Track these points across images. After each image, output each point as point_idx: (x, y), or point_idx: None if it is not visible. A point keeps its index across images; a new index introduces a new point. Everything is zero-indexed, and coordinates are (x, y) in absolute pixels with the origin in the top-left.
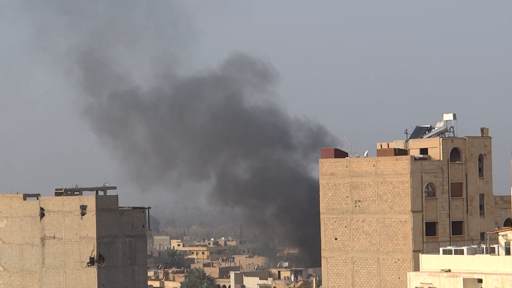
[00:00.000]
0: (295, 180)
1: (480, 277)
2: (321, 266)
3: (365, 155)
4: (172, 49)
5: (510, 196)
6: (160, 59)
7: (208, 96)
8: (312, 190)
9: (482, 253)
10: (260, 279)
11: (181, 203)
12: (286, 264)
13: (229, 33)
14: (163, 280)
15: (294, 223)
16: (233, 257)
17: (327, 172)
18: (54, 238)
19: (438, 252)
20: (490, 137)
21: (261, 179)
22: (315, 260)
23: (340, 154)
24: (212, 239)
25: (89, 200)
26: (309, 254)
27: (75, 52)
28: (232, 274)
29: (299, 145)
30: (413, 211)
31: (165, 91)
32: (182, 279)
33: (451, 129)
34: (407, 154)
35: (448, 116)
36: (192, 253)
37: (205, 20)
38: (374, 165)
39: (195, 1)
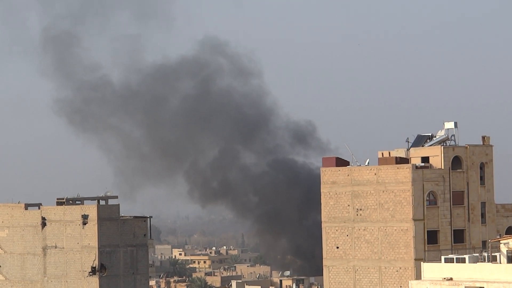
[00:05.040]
0: (283, 177)
1: (482, 285)
2: (322, 275)
3: (366, 163)
4: (149, 35)
5: None
6: (134, 45)
7: (187, 85)
8: (302, 188)
9: (484, 261)
10: None
11: (163, 202)
12: (288, 273)
13: (221, 24)
14: None
15: (283, 224)
16: (235, 266)
17: (329, 181)
18: (55, 247)
19: (439, 261)
20: (491, 146)
21: (248, 176)
22: (312, 265)
23: (341, 162)
24: (214, 248)
25: (91, 210)
26: (303, 258)
27: (47, 40)
28: (234, 283)
29: (285, 141)
30: (414, 220)
31: (141, 80)
32: None
33: (452, 138)
34: (408, 163)
35: (449, 125)
36: (194, 262)
37: (197, 7)
38: (375, 174)
39: None
